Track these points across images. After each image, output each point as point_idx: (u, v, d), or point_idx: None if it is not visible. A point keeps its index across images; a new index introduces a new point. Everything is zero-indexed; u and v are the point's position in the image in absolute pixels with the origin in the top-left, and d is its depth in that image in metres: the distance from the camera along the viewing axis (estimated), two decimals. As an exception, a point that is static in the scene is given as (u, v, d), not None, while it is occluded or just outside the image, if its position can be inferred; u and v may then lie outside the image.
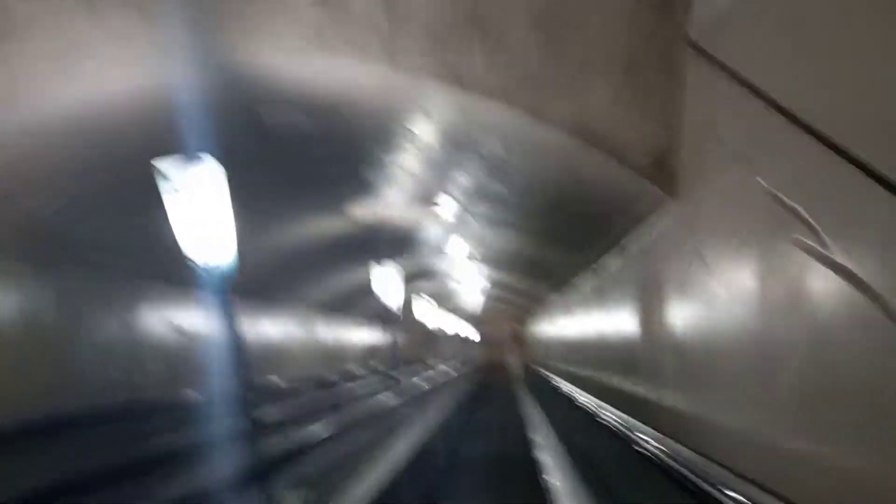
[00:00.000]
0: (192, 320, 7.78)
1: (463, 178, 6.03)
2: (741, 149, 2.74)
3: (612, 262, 6.01)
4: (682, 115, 3.33)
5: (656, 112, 3.45)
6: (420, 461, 6.91)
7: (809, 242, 2.12)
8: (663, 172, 3.55)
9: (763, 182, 2.45)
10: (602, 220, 5.19)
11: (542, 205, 5.91)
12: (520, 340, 27.71)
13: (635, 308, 5.11)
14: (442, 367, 18.12)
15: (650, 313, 4.55)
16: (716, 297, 3.04)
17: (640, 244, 4.76)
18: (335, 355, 14.52)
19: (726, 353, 2.95)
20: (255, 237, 7.52)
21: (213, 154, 3.46)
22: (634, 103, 3.48)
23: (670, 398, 4.00)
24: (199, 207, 3.24)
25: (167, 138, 3.51)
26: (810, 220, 2.13)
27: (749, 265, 2.69)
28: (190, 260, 3.39)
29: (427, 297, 13.34)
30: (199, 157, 3.26)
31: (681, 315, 3.73)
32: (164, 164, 3.27)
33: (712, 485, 2.82)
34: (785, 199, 2.31)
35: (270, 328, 10.79)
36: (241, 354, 3.70)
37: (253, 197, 6.46)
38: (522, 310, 19.55)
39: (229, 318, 3.72)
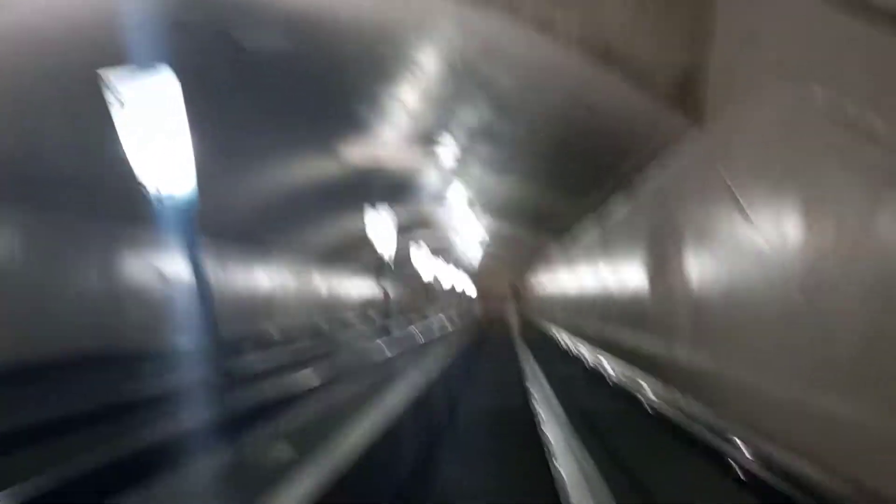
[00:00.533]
0: (155, 264, 7.34)
1: (465, 115, 5.55)
2: (789, 59, 2.28)
3: (620, 208, 5.59)
4: (714, 25, 2.86)
5: (683, 23, 2.97)
6: (409, 417, 6.62)
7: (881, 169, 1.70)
8: (688, 96, 3.10)
9: (819, 97, 2.01)
10: (612, 158, 4.74)
11: (547, 144, 5.45)
12: (519, 294, 27.47)
13: (645, 258, 4.71)
14: (439, 319, 17.86)
15: (663, 263, 4.15)
16: (749, 241, 2.63)
17: (653, 184, 4.32)
18: (331, 305, 14.23)
19: (762, 306, 2.55)
20: (238, 177, 7.09)
21: (182, 79, 3.01)
22: (657, 13, 3.00)
23: (685, 354, 3.63)
24: (153, 124, 2.80)
25: (123, 53, 3.06)
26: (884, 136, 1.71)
27: (795, 203, 2.26)
28: (143, 188, 2.97)
29: (425, 248, 12.94)
30: (152, 68, 2.80)
31: (703, 264, 3.32)
32: (113, 76, 2.81)
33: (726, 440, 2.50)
34: (849, 111, 1.87)
35: (263, 277, 10.44)
36: (209, 300, 3.31)
37: (232, 131, 6.01)
38: (522, 262, 19.19)
39: (195, 260, 3.31)
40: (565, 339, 8.42)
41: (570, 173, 6.01)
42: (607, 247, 6.28)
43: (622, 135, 4.14)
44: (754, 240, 2.57)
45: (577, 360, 6.89)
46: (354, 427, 3.68)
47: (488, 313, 29.94)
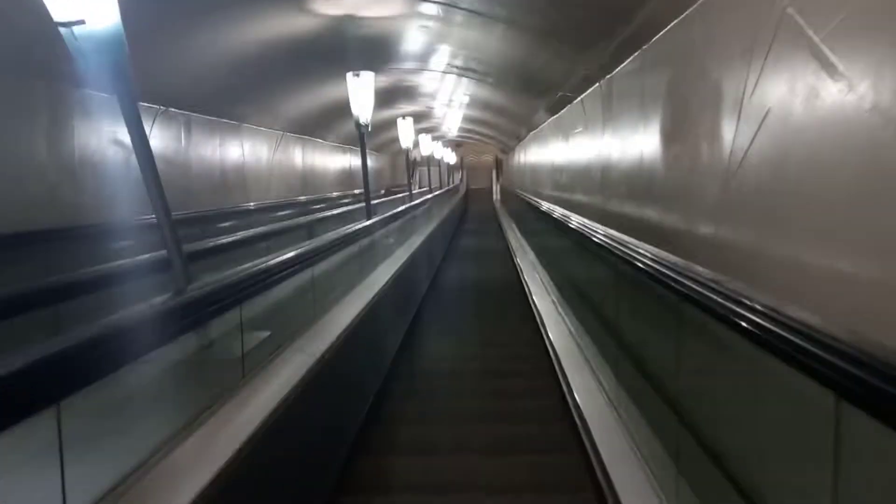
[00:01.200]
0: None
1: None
2: None
3: (631, 65, 4.95)
4: None
5: None
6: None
7: None
8: None
9: None
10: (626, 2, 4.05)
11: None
12: (504, 167, 26.90)
13: (660, 121, 4.16)
14: (423, 195, 17.38)
15: (686, 125, 3.61)
16: (824, 96, 2.09)
17: (678, 33, 3.69)
18: (309, 180, 13.59)
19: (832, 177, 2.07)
20: (193, 34, 6.24)
21: None
22: None
23: (711, 229, 3.20)
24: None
25: None
26: None
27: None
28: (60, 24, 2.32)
29: (408, 118, 12.15)
30: None
31: (749, 125, 2.79)
32: None
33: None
34: None
35: (234, 149, 9.72)
36: (154, 173, 2.76)
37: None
38: (510, 132, 18.45)
39: (134, 128, 2.73)
40: (561, 211, 8.01)
41: (570, 20, 5.28)
42: (611, 112, 5.69)
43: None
44: (830, 94, 2.04)
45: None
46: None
47: (475, 188, 29.51)
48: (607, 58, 5.31)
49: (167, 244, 2.77)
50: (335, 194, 16.29)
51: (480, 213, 23.14)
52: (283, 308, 3.89)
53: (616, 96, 5.52)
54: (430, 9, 6.40)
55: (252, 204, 10.18)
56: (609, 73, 5.60)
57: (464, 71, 10.02)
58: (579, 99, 7.23)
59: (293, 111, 11.38)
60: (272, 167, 11.36)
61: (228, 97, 8.79)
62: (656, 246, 3.57)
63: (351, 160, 18.44)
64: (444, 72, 10.38)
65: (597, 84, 6.15)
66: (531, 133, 13.87)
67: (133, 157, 2.88)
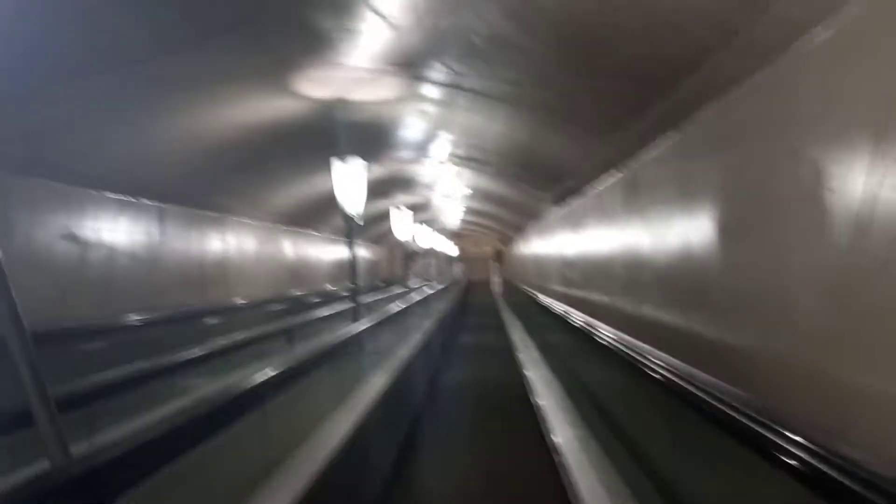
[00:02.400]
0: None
1: (460, 28, 4.10)
2: None
3: (665, 146, 4.21)
4: None
5: None
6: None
7: None
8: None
9: None
10: (655, 83, 3.34)
11: (563, 63, 4.02)
12: (504, 259, 26.23)
13: (714, 212, 3.36)
14: (421, 289, 16.54)
15: (764, 218, 2.80)
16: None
17: (746, 102, 2.94)
18: (302, 273, 12.77)
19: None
20: (160, 116, 5.57)
21: None
22: None
23: (819, 360, 2.30)
24: None
25: None
26: None
27: None
28: None
29: (405, 208, 11.52)
30: None
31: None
32: None
33: None
34: None
35: (215, 242, 8.94)
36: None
37: (155, 57, 4.51)
38: (512, 226, 17.83)
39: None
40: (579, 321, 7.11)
41: (590, 95, 4.59)
42: (638, 200, 4.92)
43: (672, 46, 2.74)
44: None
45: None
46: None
47: (472, 279, 28.79)
48: (633, 139, 4.58)
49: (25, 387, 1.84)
50: (330, 287, 15.47)
51: (482, 307, 22.21)
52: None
53: (644, 183, 4.76)
54: (429, 91, 5.77)
55: (238, 300, 9.31)
56: (634, 158, 4.86)
57: (464, 161, 9.42)
58: (594, 187, 6.50)
59: (283, 203, 10.71)
60: (259, 261, 10.56)
61: (208, 187, 8.09)
62: (719, 377, 2.68)
63: (348, 252, 17.72)
64: (444, 162, 9.80)
65: (617, 171, 5.41)
66: (534, 224, 13.19)
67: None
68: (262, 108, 6.07)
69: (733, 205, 3.14)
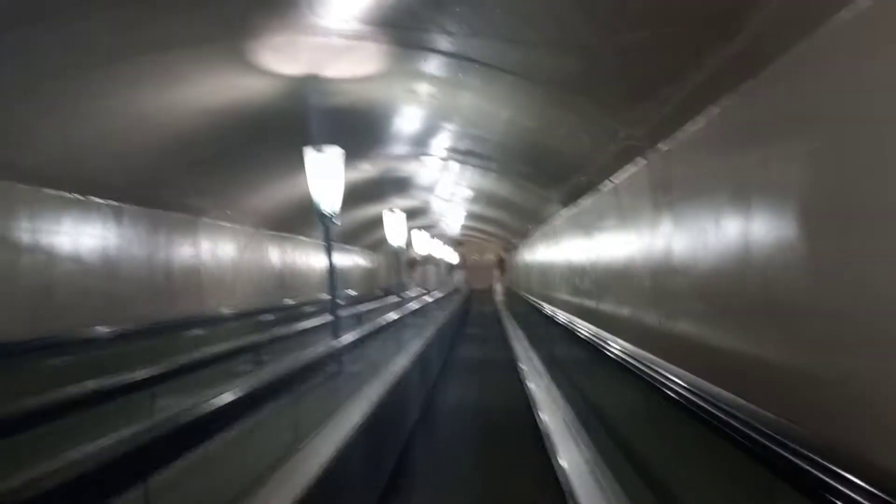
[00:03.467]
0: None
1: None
2: None
3: (711, 120, 3.33)
4: None
5: None
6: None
7: None
8: None
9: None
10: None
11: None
12: (505, 267, 25.35)
13: (786, 207, 2.47)
14: (420, 298, 15.65)
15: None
16: None
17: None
18: (288, 282, 11.88)
19: None
20: (106, 97, 4.70)
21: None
22: None
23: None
24: None
25: None
26: None
27: None
28: None
29: (398, 212, 10.66)
30: None
31: None
32: None
33: None
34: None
35: (185, 248, 8.06)
36: None
37: (71, 12, 3.62)
38: (515, 232, 16.93)
39: None
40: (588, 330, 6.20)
41: (611, 68, 3.68)
42: (672, 192, 4.02)
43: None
44: None
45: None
46: None
47: (474, 288, 27.98)
48: (666, 114, 3.69)
49: None
50: (325, 296, 14.56)
51: (483, 318, 21.28)
52: None
53: (681, 170, 3.86)
54: (424, 64, 4.89)
55: (213, 311, 8.42)
56: (666, 140, 3.97)
57: (466, 156, 8.51)
58: (611, 183, 5.61)
59: (265, 205, 9.82)
60: (239, 268, 9.67)
61: (176, 186, 7.21)
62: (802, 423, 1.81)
63: (345, 259, 16.85)
64: (443, 158, 8.90)
65: (642, 158, 4.52)
66: (540, 228, 12.29)
67: None
68: (221, 87, 5.19)
69: (827, 198, 2.24)
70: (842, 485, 1.44)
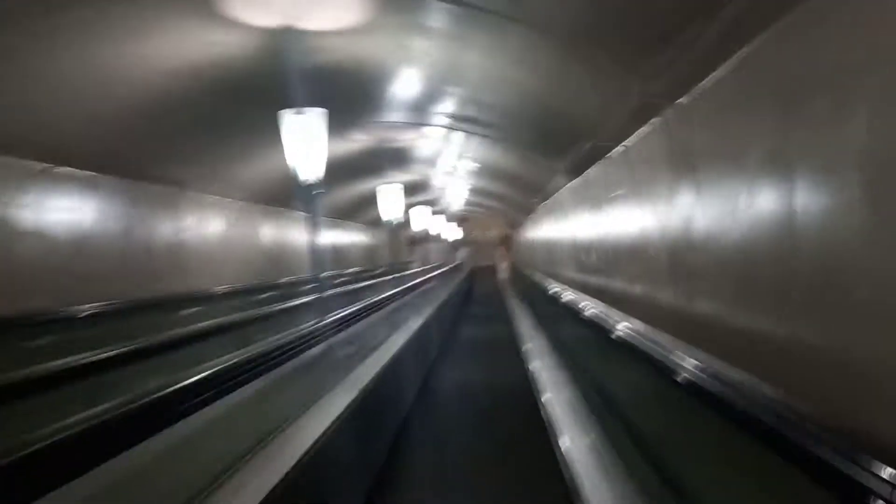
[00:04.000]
0: None
1: None
2: None
3: (743, 63, 2.82)
4: None
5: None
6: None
7: None
8: None
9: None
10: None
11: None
12: (512, 244, 24.89)
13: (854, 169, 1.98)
14: (419, 274, 15.23)
15: None
16: None
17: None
18: (282, 260, 11.44)
19: None
20: (62, 52, 4.20)
21: None
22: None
23: None
24: None
25: None
26: None
27: None
28: None
29: (395, 185, 10.17)
30: None
31: None
32: None
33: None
34: None
35: (167, 223, 7.61)
36: None
37: None
38: (520, 208, 16.43)
39: None
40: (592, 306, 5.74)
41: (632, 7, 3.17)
42: (694, 153, 3.53)
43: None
44: None
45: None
46: None
47: (478, 265, 27.59)
48: (690, 61, 3.18)
49: None
50: (327, 273, 14.16)
51: (487, 297, 20.86)
52: None
53: (706, 130, 3.36)
54: (417, 13, 4.37)
55: (199, 290, 8.00)
56: (687, 94, 3.46)
57: (466, 125, 7.97)
58: (622, 147, 5.10)
59: (258, 178, 9.34)
60: (228, 245, 9.23)
61: (153, 156, 6.74)
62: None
63: (342, 236, 16.41)
64: (444, 126, 8.36)
65: (659, 118, 4.01)
66: (545, 203, 11.78)
67: None
68: (193, 43, 4.68)
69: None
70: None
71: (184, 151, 7.02)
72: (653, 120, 4.11)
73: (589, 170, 6.66)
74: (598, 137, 5.42)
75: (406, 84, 6.41)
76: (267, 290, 9.43)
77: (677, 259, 3.79)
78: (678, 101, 3.60)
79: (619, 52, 3.67)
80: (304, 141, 4.45)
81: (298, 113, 4.46)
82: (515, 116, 6.58)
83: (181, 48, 4.76)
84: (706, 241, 3.30)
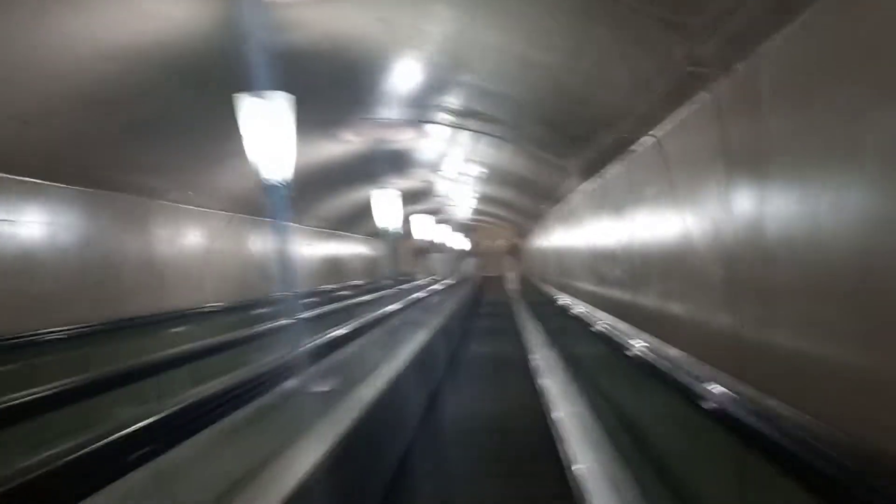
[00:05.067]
0: None
1: None
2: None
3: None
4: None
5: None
6: None
7: None
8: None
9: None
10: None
11: None
12: (520, 254, 24.03)
13: None
14: (427, 287, 14.38)
15: None
16: None
17: None
18: (273, 274, 10.60)
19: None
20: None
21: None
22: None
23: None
24: None
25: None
26: None
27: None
28: None
29: (392, 191, 9.36)
30: None
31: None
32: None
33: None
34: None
35: (136, 237, 6.81)
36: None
37: None
38: (530, 216, 15.57)
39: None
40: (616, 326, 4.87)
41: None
42: (770, 130, 2.66)
43: None
44: None
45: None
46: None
47: (486, 275, 26.79)
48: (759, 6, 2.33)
49: None
50: (327, 286, 13.37)
51: (496, 310, 19.96)
52: None
53: (782, 102, 2.50)
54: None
55: (176, 308, 7.17)
56: (755, 53, 2.60)
57: (468, 120, 7.10)
58: (652, 136, 4.25)
59: (242, 184, 8.48)
60: (210, 259, 8.42)
61: (110, 160, 5.94)
62: None
63: (341, 248, 15.60)
64: (446, 124, 7.50)
65: (707, 93, 3.15)
66: (555, 209, 10.91)
67: None
68: (134, 16, 3.86)
69: None
70: None
71: (146, 156, 6.22)
72: (698, 96, 3.25)
73: (608, 168, 5.80)
74: (622, 126, 4.56)
75: (402, 71, 5.57)
76: (248, 309, 8.58)
77: (737, 272, 2.92)
78: (737, 66, 2.74)
79: (658, 3, 2.82)
80: (268, 132, 3.61)
81: (258, 97, 3.64)
82: (526, 106, 5.72)
83: (128, 24, 3.95)
84: (790, 249, 2.44)
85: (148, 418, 2.55)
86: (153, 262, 7.03)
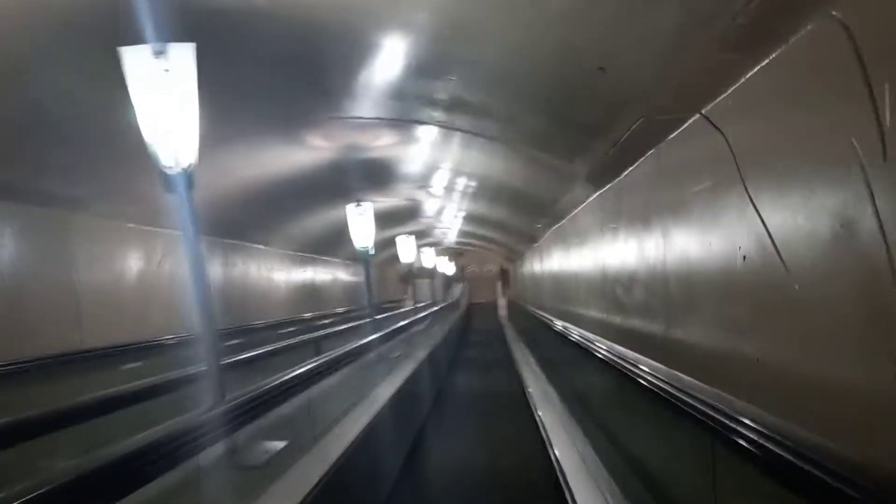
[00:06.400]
0: None
1: None
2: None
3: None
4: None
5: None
6: None
7: None
8: None
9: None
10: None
11: None
12: (511, 280, 22.92)
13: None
14: (416, 311, 13.21)
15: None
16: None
17: None
18: (236, 302, 9.40)
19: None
20: None
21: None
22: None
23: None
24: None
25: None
26: None
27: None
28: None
29: (366, 205, 8.22)
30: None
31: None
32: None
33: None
34: None
35: (54, 258, 5.61)
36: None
37: None
38: (521, 237, 14.46)
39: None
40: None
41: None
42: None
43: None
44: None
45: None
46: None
47: (475, 302, 25.67)
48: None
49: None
50: (306, 315, 12.22)
51: (486, 338, 18.75)
52: None
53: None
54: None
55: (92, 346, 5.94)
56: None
57: (454, 113, 5.95)
58: (701, 115, 3.15)
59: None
60: (151, 285, 7.20)
61: (4, 160, 4.76)
62: None
63: (320, 273, 14.40)
64: (435, 124, 6.34)
65: (767, 69, 2.04)
66: (554, 227, 9.81)
67: None
68: None
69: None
70: None
71: (57, 156, 5.02)
72: (779, 52, 2.14)
73: (630, 170, 4.70)
74: (654, 103, 3.46)
75: (381, 47, 4.40)
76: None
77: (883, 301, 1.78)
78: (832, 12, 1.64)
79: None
80: (163, 97, 2.48)
81: (158, 54, 2.50)
82: (524, 86, 4.56)
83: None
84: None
85: None
86: (73, 289, 5.79)
